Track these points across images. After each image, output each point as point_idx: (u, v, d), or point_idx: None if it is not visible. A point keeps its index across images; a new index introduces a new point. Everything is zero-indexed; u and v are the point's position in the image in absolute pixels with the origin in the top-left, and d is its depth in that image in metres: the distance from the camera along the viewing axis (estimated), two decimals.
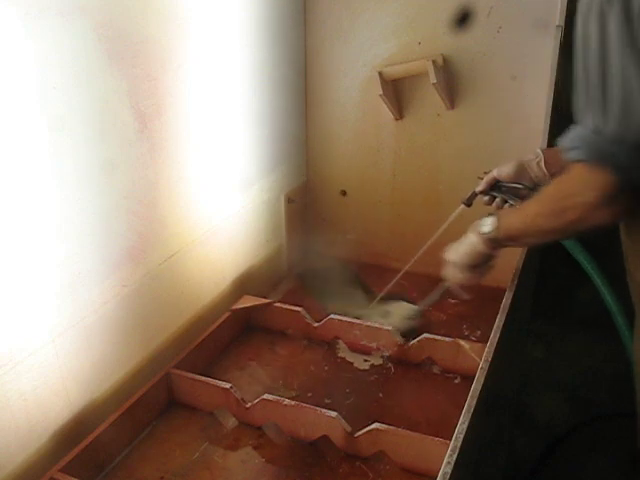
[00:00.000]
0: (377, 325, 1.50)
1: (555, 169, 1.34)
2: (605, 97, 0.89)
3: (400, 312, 1.62)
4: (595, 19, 0.86)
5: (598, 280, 1.44)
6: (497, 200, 1.37)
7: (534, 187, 1.35)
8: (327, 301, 1.69)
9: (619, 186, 0.92)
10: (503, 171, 1.36)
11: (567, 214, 1.00)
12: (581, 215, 0.98)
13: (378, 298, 1.66)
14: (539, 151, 1.37)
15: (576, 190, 0.98)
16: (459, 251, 1.28)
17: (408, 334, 1.49)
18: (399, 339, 1.45)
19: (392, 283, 1.64)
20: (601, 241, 1.49)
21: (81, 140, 1.09)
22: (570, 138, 0.96)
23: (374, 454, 1.16)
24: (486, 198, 1.39)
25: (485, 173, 1.40)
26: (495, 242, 1.21)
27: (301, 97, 1.86)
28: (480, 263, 1.27)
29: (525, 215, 1.13)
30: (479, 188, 1.40)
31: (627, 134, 0.89)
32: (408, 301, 1.66)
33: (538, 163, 1.36)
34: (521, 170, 1.36)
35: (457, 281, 1.33)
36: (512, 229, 1.17)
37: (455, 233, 1.31)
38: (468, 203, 1.44)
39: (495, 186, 1.37)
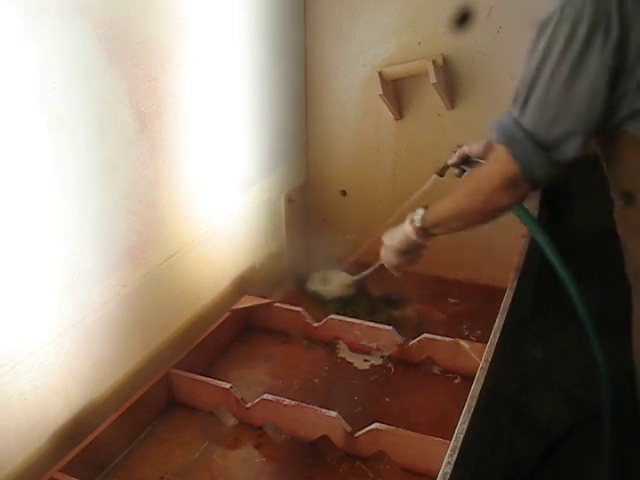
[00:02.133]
0: (377, 325, 1.50)
1: None
2: (529, 95, 1.01)
3: (338, 280, 1.75)
4: (550, 30, 0.96)
5: (567, 280, 1.46)
6: (465, 173, 1.44)
7: None
8: (325, 304, 1.70)
9: (520, 176, 1.04)
10: (473, 147, 1.43)
11: (477, 196, 1.14)
12: (486, 197, 1.12)
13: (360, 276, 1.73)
14: None
15: (485, 174, 1.12)
16: (394, 237, 1.38)
17: (340, 301, 1.67)
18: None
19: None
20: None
21: (81, 140, 1.09)
22: (495, 121, 1.08)
23: (374, 454, 1.16)
24: (456, 171, 1.45)
25: (458, 147, 1.47)
26: (424, 231, 1.31)
27: (301, 97, 1.86)
28: (411, 250, 1.36)
29: (449, 201, 1.24)
30: (451, 161, 1.46)
31: (537, 132, 1.01)
32: (347, 272, 1.78)
33: None
34: (489, 148, 1.41)
35: (390, 263, 1.41)
36: (437, 216, 1.28)
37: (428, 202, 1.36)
38: (441, 174, 1.51)
39: (465, 160, 1.44)
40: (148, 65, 1.21)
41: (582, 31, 0.93)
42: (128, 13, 1.14)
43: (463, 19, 1.58)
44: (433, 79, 1.62)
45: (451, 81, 1.68)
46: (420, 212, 1.31)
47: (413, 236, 1.33)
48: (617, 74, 0.95)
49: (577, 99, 0.97)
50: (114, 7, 1.10)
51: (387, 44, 1.71)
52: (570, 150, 1.01)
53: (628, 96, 0.97)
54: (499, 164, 1.08)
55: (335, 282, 1.75)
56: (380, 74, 1.70)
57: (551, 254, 1.24)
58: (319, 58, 1.81)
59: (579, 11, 0.93)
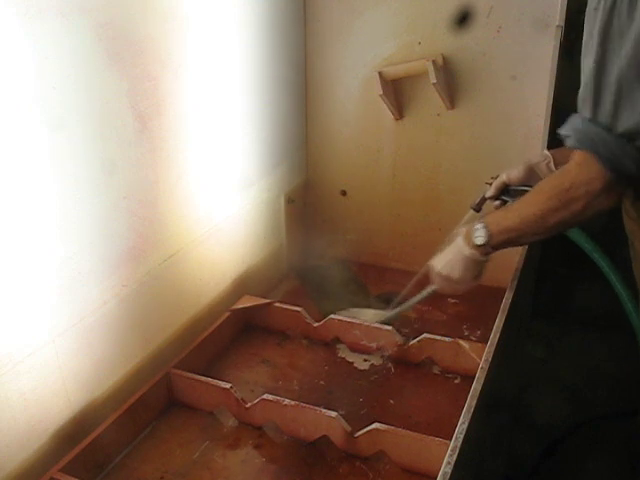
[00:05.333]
0: (377, 325, 1.50)
1: None
2: (598, 92, 0.96)
3: (369, 319, 1.54)
4: (599, 17, 0.92)
5: (607, 269, 1.45)
6: (508, 204, 1.34)
7: None
8: (323, 302, 1.69)
9: (614, 174, 0.98)
10: (512, 174, 1.35)
11: (572, 205, 1.05)
12: (585, 204, 1.03)
13: (397, 310, 1.56)
14: (547, 152, 1.37)
15: (578, 181, 1.03)
16: (449, 262, 1.27)
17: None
18: (399, 339, 1.45)
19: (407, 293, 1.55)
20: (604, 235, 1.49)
21: (81, 140, 1.09)
22: (565, 127, 1.03)
23: (374, 454, 1.16)
24: (497, 203, 1.37)
25: (493, 178, 1.40)
26: (488, 248, 1.21)
27: (301, 97, 1.86)
28: (473, 272, 1.26)
29: (521, 214, 1.15)
30: (489, 193, 1.38)
31: (615, 125, 0.96)
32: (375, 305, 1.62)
33: (547, 164, 1.35)
34: (531, 173, 1.35)
35: (455, 291, 1.34)
36: (508, 231, 1.17)
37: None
38: (477, 208, 1.42)
39: (505, 190, 1.36)
40: (148, 65, 1.21)
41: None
42: (128, 13, 1.14)
43: (463, 19, 1.58)
44: (433, 79, 1.62)
45: (451, 81, 1.68)
46: (480, 229, 1.20)
47: (478, 256, 1.22)
48: None
49: None
50: (114, 7, 1.10)
51: (387, 44, 1.71)
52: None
53: None
54: (586, 169, 1.01)
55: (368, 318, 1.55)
56: (380, 74, 1.70)
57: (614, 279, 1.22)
58: (319, 58, 1.81)
59: None
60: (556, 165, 1.34)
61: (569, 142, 1.03)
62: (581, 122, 1.00)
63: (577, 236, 1.55)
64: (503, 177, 1.36)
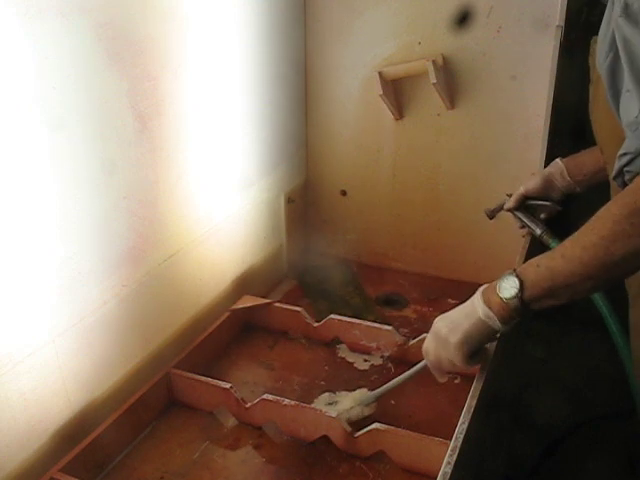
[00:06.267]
0: (377, 325, 1.50)
1: (580, 177, 1.35)
2: None
3: (355, 401, 1.28)
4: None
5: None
6: (529, 229, 1.32)
7: (562, 201, 1.37)
8: (322, 305, 1.69)
9: None
10: (530, 185, 1.35)
11: None
12: None
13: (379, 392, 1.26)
14: (559, 161, 1.37)
15: None
16: (453, 320, 0.96)
17: (357, 423, 1.19)
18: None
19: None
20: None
21: (81, 140, 1.09)
22: (627, 150, 0.82)
23: (374, 454, 1.16)
24: (517, 223, 1.37)
25: (508, 195, 1.42)
26: (520, 308, 0.90)
27: (301, 97, 1.86)
28: (477, 341, 0.96)
29: (569, 257, 0.85)
30: (508, 205, 1.38)
31: None
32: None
33: (561, 174, 1.36)
34: (548, 183, 1.35)
35: (444, 366, 1.01)
36: (552, 280, 0.86)
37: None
38: (491, 215, 1.42)
39: (524, 203, 1.36)
40: (148, 65, 1.21)
41: None
42: (128, 13, 1.14)
43: (463, 19, 1.58)
44: (433, 79, 1.62)
45: (451, 81, 1.68)
46: (512, 282, 0.89)
47: (494, 320, 0.91)
48: None
49: None
50: (114, 7, 1.10)
51: (387, 44, 1.71)
52: None
53: None
54: None
55: (351, 403, 1.28)
56: (380, 74, 1.70)
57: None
58: (319, 58, 1.81)
59: None
60: (569, 173, 1.35)
61: (635, 167, 0.81)
62: None
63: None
64: (521, 189, 1.36)
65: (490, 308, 0.92)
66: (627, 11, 0.81)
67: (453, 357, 0.97)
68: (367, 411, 1.24)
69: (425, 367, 1.08)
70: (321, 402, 1.32)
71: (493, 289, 0.91)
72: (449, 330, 0.97)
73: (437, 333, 0.99)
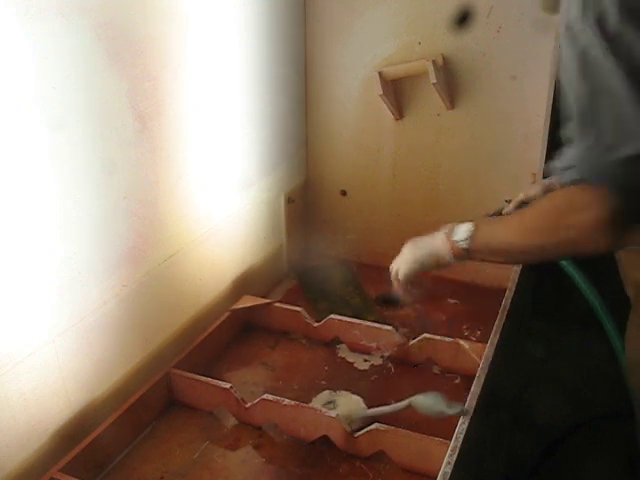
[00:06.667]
0: (377, 325, 1.50)
1: None
2: (596, 116, 0.86)
3: (348, 406, 1.31)
4: (576, 42, 0.84)
5: (582, 284, 1.43)
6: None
7: None
8: (322, 305, 1.69)
9: (618, 206, 0.86)
10: (530, 194, 1.36)
11: (562, 232, 0.93)
12: (577, 235, 0.91)
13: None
14: None
15: (575, 207, 0.91)
16: (419, 247, 1.19)
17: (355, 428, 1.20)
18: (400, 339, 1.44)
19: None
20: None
21: (80, 140, 1.09)
22: (564, 159, 0.92)
23: (374, 454, 1.16)
24: None
25: (507, 201, 1.42)
26: (464, 252, 1.09)
27: (301, 97, 1.86)
28: (431, 269, 1.18)
29: (509, 229, 1.04)
30: (507, 209, 1.39)
31: (620, 148, 0.84)
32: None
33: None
34: (548, 192, 1.34)
35: (400, 275, 1.22)
36: (491, 242, 1.07)
37: None
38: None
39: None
40: (148, 65, 1.21)
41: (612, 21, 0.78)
42: (128, 13, 1.14)
43: (463, 19, 1.58)
44: (433, 79, 1.62)
45: (451, 81, 1.68)
46: (466, 229, 1.08)
47: (448, 256, 1.12)
48: None
49: None
50: (114, 7, 1.10)
51: (387, 44, 1.71)
52: None
53: None
54: (593, 201, 0.88)
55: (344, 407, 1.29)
56: (380, 74, 1.70)
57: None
58: (319, 58, 1.81)
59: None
60: None
61: (569, 175, 0.91)
62: (582, 152, 0.90)
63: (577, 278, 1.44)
64: (521, 196, 1.37)
65: (446, 243, 1.12)
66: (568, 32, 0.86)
67: (402, 267, 1.21)
68: (354, 425, 1.21)
69: (408, 405, 1.17)
70: (320, 401, 1.32)
71: (452, 229, 1.11)
72: (413, 247, 1.21)
73: (404, 248, 1.23)
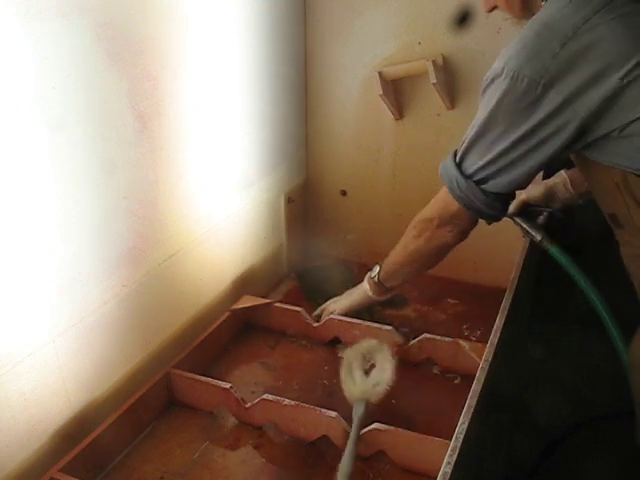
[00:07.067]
0: (377, 325, 1.50)
1: (582, 189, 1.36)
2: (467, 139, 1.09)
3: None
4: (494, 87, 1.08)
5: (585, 285, 1.43)
6: (530, 235, 1.35)
7: (564, 210, 1.38)
8: (319, 303, 1.69)
9: (459, 210, 1.13)
10: (532, 194, 1.37)
11: (423, 234, 1.22)
12: (431, 234, 1.20)
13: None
14: (563, 173, 1.39)
15: (429, 213, 1.21)
16: (351, 294, 1.49)
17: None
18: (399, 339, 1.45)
19: None
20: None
21: (80, 140, 1.09)
22: (441, 163, 1.18)
23: (374, 454, 1.16)
24: (520, 230, 1.37)
25: None
26: (379, 284, 1.38)
27: (301, 97, 1.86)
28: (355, 300, 1.48)
29: (399, 247, 1.30)
30: (509, 210, 1.36)
31: (465, 169, 1.09)
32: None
33: (564, 185, 1.37)
34: (550, 193, 1.38)
35: (335, 313, 1.51)
36: (389, 264, 1.34)
37: None
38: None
39: (523, 210, 1.37)
40: (148, 65, 1.21)
41: (522, 88, 0.99)
42: (128, 13, 1.14)
43: (463, 19, 1.58)
44: (433, 79, 1.62)
45: (451, 81, 1.68)
46: (377, 267, 1.38)
47: (370, 292, 1.41)
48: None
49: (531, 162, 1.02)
50: (114, 7, 1.10)
51: (387, 44, 1.71)
52: (501, 187, 1.07)
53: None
54: (441, 206, 1.18)
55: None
56: (380, 74, 1.70)
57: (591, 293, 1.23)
58: (319, 58, 1.81)
59: (518, 70, 0.99)
60: (572, 184, 1.36)
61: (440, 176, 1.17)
62: (449, 162, 1.15)
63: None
64: (523, 196, 1.38)
65: (367, 281, 1.43)
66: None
67: (336, 307, 1.53)
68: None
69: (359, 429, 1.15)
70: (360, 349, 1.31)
71: (370, 271, 1.42)
72: (346, 294, 1.53)
73: (335, 307, 1.53)
